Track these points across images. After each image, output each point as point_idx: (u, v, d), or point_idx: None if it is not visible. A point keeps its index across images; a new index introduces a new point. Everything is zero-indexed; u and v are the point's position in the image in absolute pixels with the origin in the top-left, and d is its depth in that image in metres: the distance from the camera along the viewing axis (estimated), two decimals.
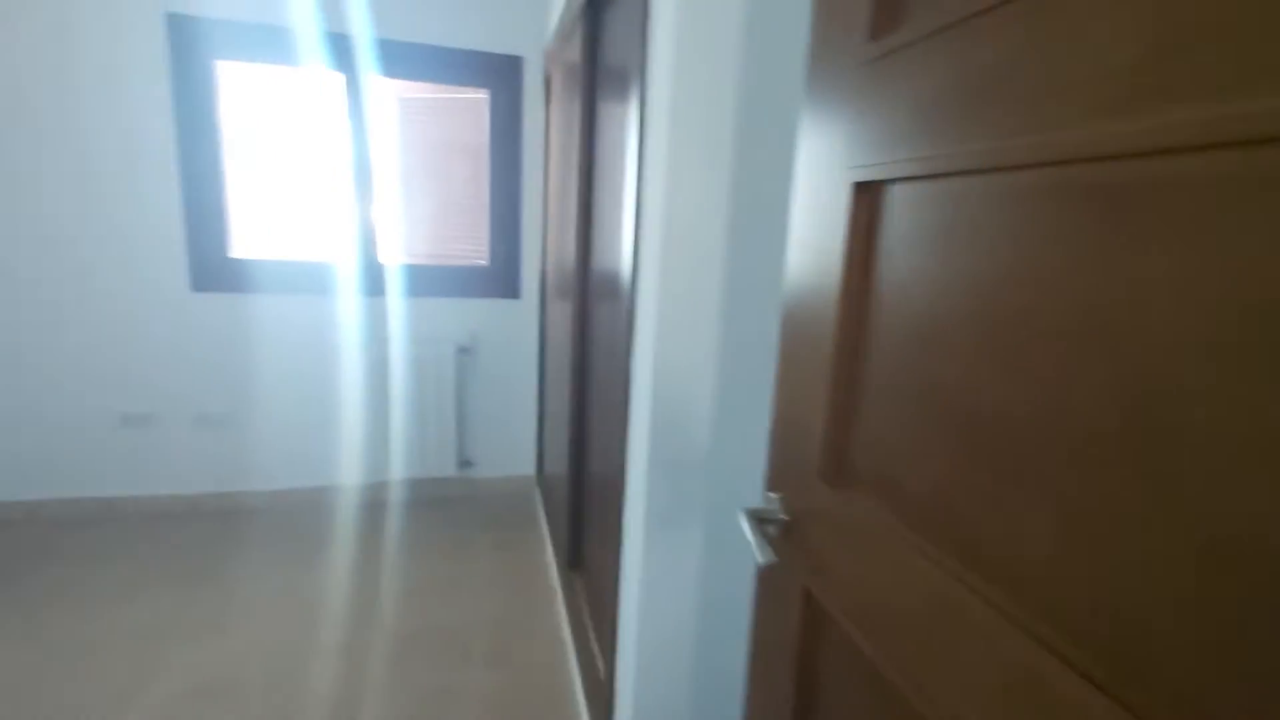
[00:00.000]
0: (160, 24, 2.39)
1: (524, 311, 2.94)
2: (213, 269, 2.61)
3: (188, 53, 2.44)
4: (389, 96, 2.70)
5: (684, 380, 1.17)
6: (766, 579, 0.84)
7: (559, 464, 2.28)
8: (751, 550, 0.74)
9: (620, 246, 1.39)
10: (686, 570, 1.25)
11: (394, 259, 2.80)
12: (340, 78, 2.58)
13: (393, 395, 2.76)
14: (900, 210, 0.60)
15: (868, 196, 0.64)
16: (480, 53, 2.67)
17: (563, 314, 2.18)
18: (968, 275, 0.51)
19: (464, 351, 2.87)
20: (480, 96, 2.75)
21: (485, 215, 2.85)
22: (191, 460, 2.72)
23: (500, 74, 2.72)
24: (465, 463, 2.98)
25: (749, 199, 1.13)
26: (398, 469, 2.84)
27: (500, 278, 2.90)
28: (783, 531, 0.79)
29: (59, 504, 2.62)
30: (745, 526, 0.76)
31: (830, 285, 0.68)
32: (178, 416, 2.68)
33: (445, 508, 2.87)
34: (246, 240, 2.68)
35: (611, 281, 1.50)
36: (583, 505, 1.95)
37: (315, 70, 2.56)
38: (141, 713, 1.63)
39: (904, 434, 0.59)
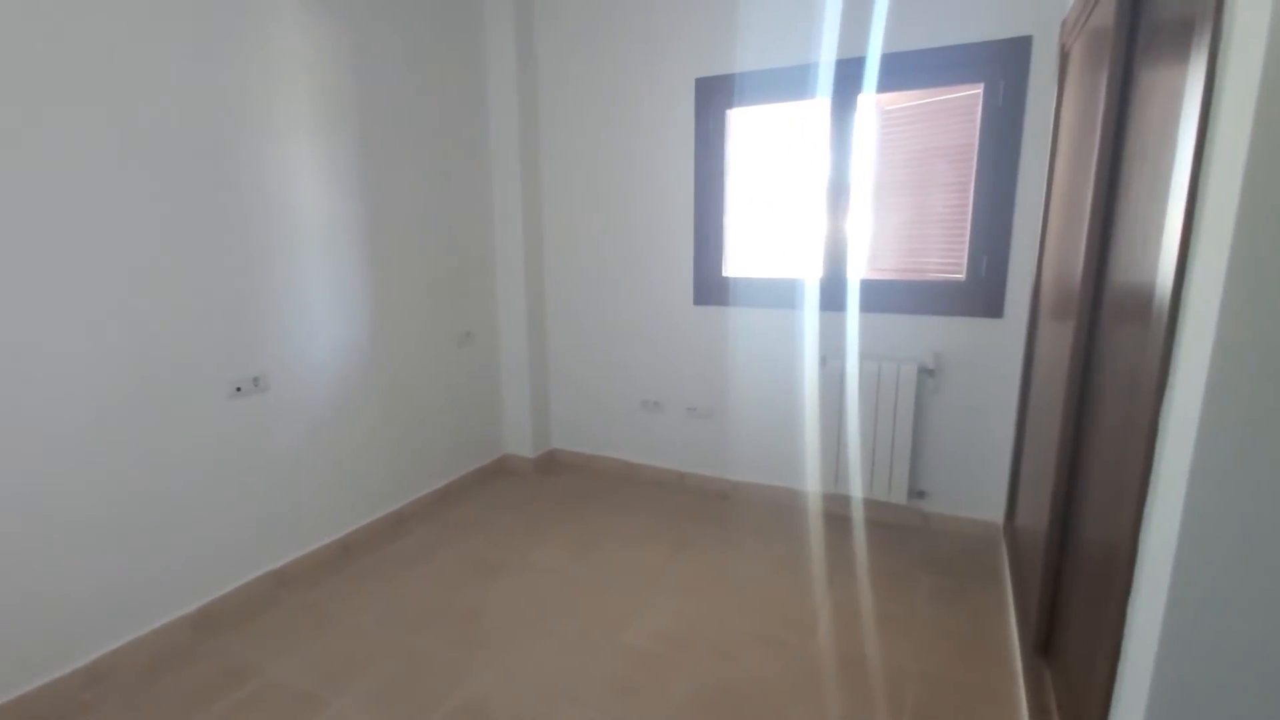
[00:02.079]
0: (690, 87, 2.95)
1: (1005, 333, 2.55)
2: (710, 286, 3.10)
3: (707, 106, 2.94)
4: (871, 112, 2.70)
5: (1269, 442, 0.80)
6: None
7: (1035, 516, 1.89)
8: None
9: (1156, 256, 1.05)
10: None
11: (859, 274, 2.80)
12: (826, 103, 2.71)
13: (848, 411, 2.77)
14: None
15: None
16: (979, 44, 2.43)
17: (1058, 338, 1.80)
18: None
19: (927, 373, 2.67)
20: (972, 93, 2.50)
21: (965, 225, 2.58)
22: (683, 443, 3.30)
23: (1001, 62, 2.41)
24: (917, 493, 2.77)
25: None
26: (847, 485, 2.83)
27: (979, 294, 2.58)
28: None
29: (602, 460, 3.53)
30: None
31: None
32: (676, 406, 3.28)
33: (889, 536, 2.73)
34: (735, 260, 3.08)
35: (1136, 300, 1.15)
36: (1064, 576, 1.56)
37: (807, 101, 2.76)
38: (629, 639, 2.04)
39: None
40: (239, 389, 2.18)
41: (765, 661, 1.94)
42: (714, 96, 2.93)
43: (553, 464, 3.63)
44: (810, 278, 2.87)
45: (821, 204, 2.79)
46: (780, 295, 2.93)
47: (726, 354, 3.10)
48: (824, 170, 2.76)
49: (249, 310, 2.20)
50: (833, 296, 2.83)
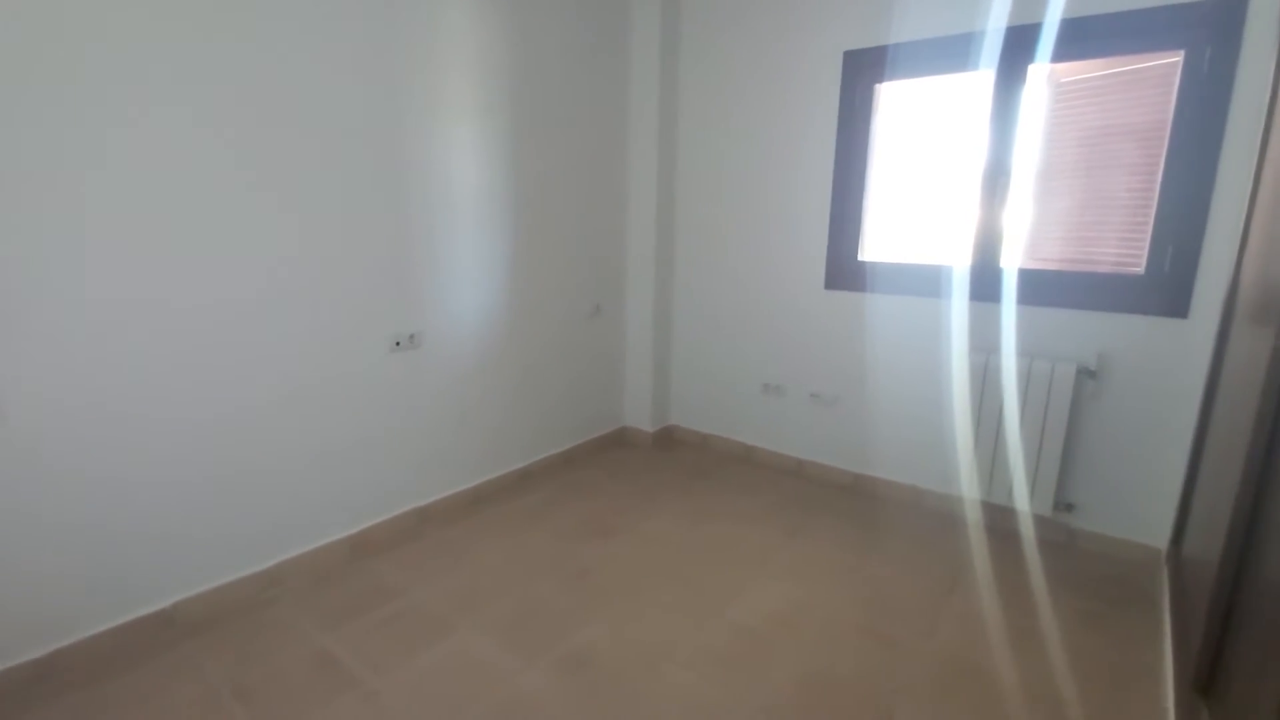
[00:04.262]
0: (837, 61, 2.83)
1: (1189, 336, 2.25)
2: (843, 270, 2.98)
3: (854, 80, 2.81)
4: (1042, 84, 2.45)
5: None
6: None
7: (1207, 546, 1.67)
8: None
9: None
10: None
11: (1015, 263, 2.57)
12: (990, 75, 2.50)
13: (991, 410, 2.57)
14: None
15: None
16: (1183, 4, 2.12)
17: (1256, 346, 1.56)
18: None
19: (1088, 375, 2.41)
20: (1169, 62, 2.20)
21: (1149, 212, 2.29)
22: (803, 430, 3.23)
23: (1210, 25, 2.10)
24: (1065, 505, 2.53)
25: None
26: (984, 488, 2.65)
27: (1160, 290, 2.29)
28: None
29: (718, 440, 3.55)
30: None
31: None
32: (799, 391, 3.22)
33: (1028, 548, 2.52)
34: (873, 244, 2.94)
35: None
36: (1236, 613, 1.38)
37: (968, 73, 2.56)
38: (734, 614, 2.07)
39: None
40: (398, 344, 2.43)
41: (874, 657, 1.88)
42: (862, 70, 2.79)
43: (669, 440, 3.71)
44: (958, 265, 2.68)
45: (976, 186, 2.59)
46: (922, 283, 2.77)
47: (857, 341, 2.99)
48: (982, 149, 2.55)
49: (409, 273, 2.44)
50: (983, 286, 2.62)
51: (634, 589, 2.20)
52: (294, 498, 2.20)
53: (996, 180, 2.54)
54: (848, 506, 2.88)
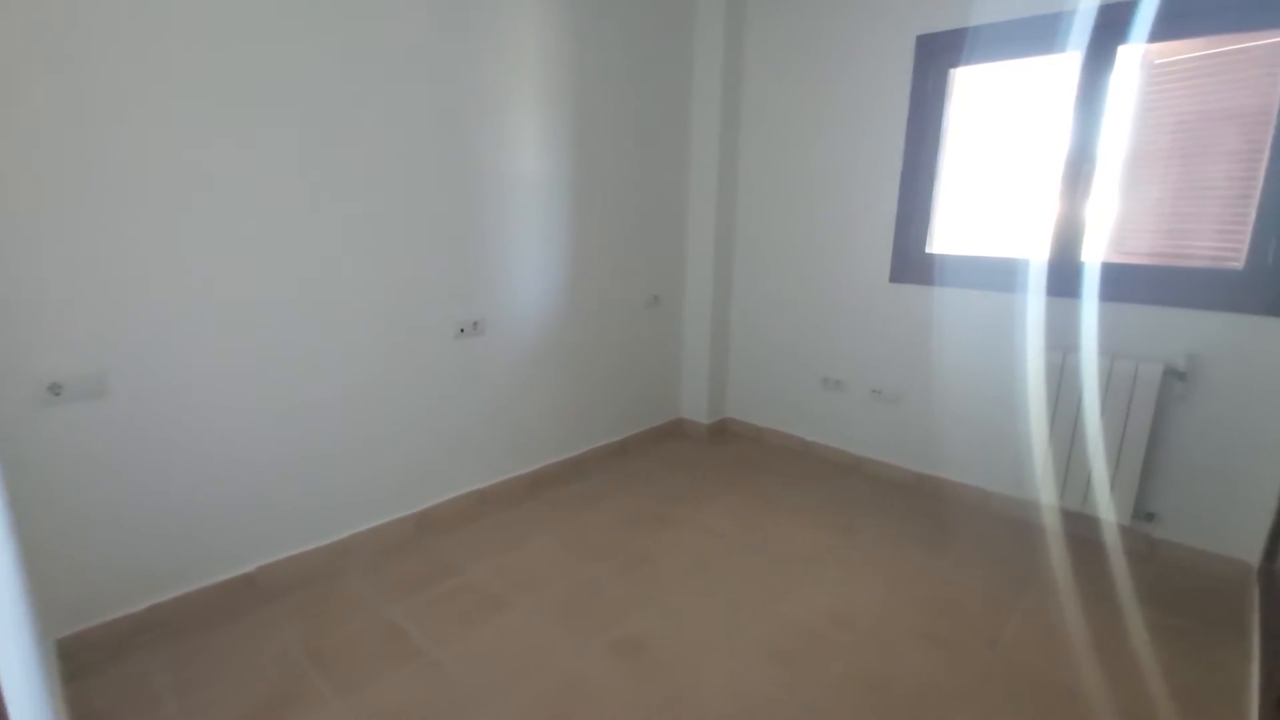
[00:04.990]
0: (909, 45, 2.73)
1: None
2: (909, 263, 2.89)
3: (928, 65, 2.71)
4: (1133, 66, 2.30)
5: None
6: None
7: None
8: None
9: None
10: None
11: (1097, 257, 2.43)
12: (1077, 58, 2.36)
13: (1068, 411, 2.45)
14: None
15: None
16: None
17: None
18: None
19: (1175, 376, 2.27)
20: (1276, 41, 2.03)
21: (1252, 203, 2.12)
22: (864, 426, 3.16)
23: None
24: (1145, 515, 2.39)
25: None
26: (1058, 493, 2.53)
27: (1263, 286, 2.12)
28: None
29: (774, 434, 3.51)
30: None
31: None
32: (859, 387, 3.15)
33: (1104, 557, 2.40)
34: (942, 236, 2.84)
35: None
36: None
37: (1052, 56, 2.43)
38: (788, 610, 2.05)
39: None
40: (462, 330, 2.51)
41: (932, 661, 1.83)
42: (937, 55, 2.69)
43: (725, 432, 3.69)
44: (1035, 258, 2.55)
45: (1057, 175, 2.46)
46: (995, 276, 2.65)
47: (924, 336, 2.89)
48: (1064, 136, 2.42)
49: (474, 260, 2.51)
50: (1061, 281, 2.49)
51: (687, 579, 2.21)
52: (364, 476, 2.31)
53: (1080, 169, 2.40)
54: (909, 506, 2.80)
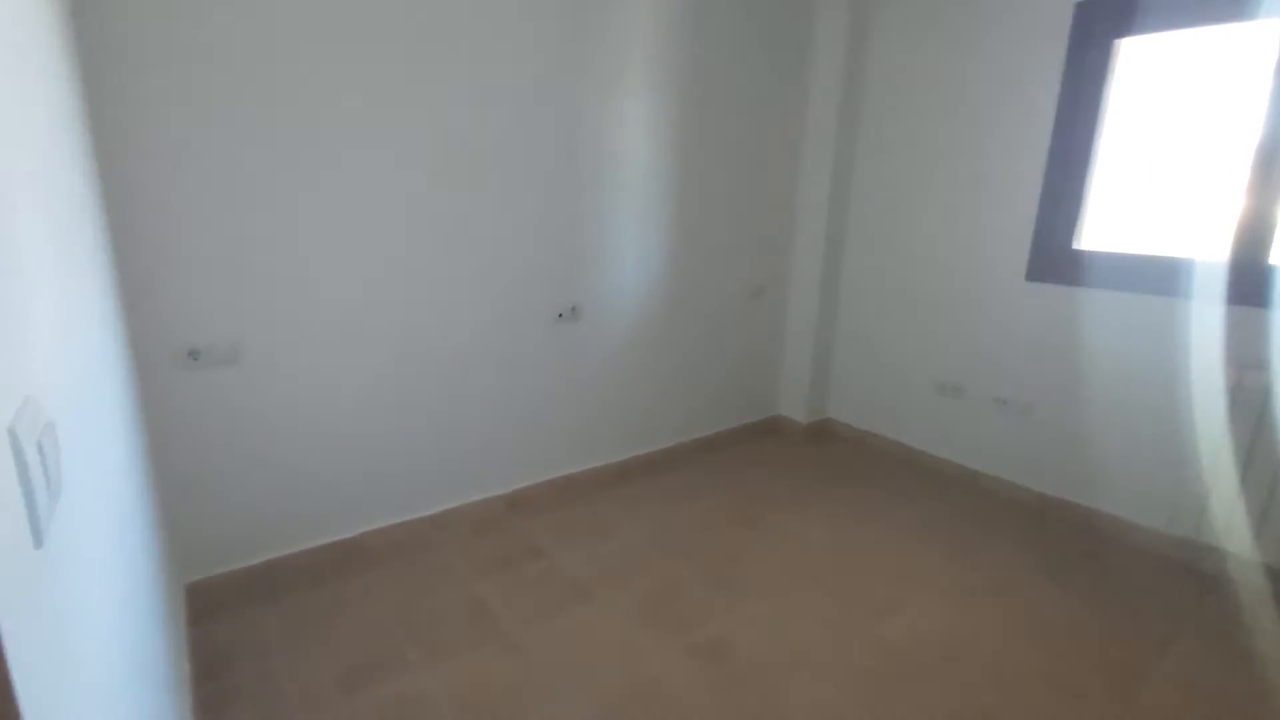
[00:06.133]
0: (1066, 13, 2.41)
1: None
2: (1051, 259, 2.57)
3: (1086, 37, 2.38)
4: None
5: None
6: None
7: None
8: None
9: None
10: None
11: None
12: (1277, 25, 1.97)
13: (1244, 439, 2.09)
14: None
15: None
16: None
17: None
18: None
19: None
20: None
21: None
22: (983, 438, 2.88)
23: None
24: None
25: None
26: (1222, 534, 2.18)
27: None
28: None
29: (878, 439, 3.29)
30: None
31: None
32: (981, 394, 2.86)
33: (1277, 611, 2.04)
34: (1094, 230, 2.50)
35: None
36: None
37: (1242, 22, 2.05)
38: (884, 631, 1.90)
39: None
40: (560, 315, 2.51)
41: (1050, 706, 1.63)
42: (1099, 23, 2.35)
43: (824, 433, 3.50)
44: (1210, 259, 2.19)
45: (1245, 163, 2.08)
46: (1157, 279, 2.30)
47: (1064, 342, 2.57)
48: (1257, 118, 2.04)
49: (575, 245, 2.50)
50: (1244, 286, 2.12)
51: (774, 586, 2.10)
52: (461, 452, 2.37)
53: (1274, 157, 2.02)
54: (1031, 530, 2.52)
